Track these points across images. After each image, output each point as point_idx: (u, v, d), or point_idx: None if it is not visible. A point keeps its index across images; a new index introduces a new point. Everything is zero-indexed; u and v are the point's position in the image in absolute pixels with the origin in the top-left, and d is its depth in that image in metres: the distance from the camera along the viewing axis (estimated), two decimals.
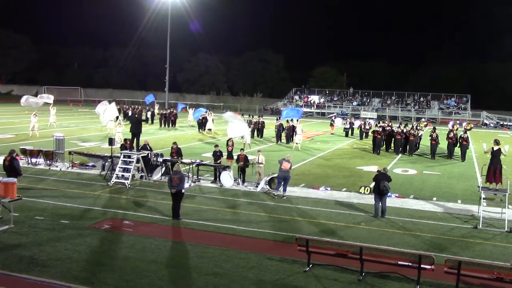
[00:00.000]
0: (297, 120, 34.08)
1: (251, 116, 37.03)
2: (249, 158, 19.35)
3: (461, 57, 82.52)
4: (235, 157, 19.58)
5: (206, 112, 40.33)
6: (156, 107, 50.19)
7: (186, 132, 37.55)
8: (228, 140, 20.90)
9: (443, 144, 29.31)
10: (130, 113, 38.17)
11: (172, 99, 72.35)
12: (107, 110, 25.48)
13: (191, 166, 19.41)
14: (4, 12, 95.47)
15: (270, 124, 38.53)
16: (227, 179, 18.41)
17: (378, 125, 31.12)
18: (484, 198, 15.11)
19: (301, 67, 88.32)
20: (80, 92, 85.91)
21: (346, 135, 39.16)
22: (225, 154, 20.19)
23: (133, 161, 18.29)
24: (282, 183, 17.04)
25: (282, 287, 9.68)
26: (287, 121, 34.60)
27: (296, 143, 29.95)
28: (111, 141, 19.65)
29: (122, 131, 28.29)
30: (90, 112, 57.23)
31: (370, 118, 50.13)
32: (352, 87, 76.35)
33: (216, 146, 20.04)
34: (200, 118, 38.81)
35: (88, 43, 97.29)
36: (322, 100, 71.87)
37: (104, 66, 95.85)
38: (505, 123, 59.52)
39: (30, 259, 10.49)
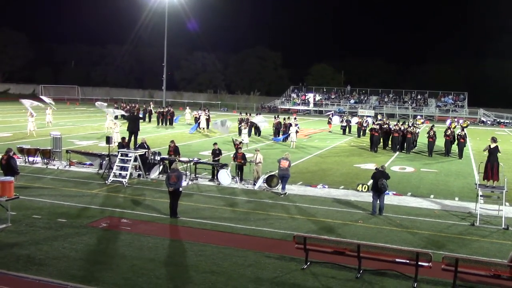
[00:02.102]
0: (294, 118, 34.10)
1: (248, 114, 36.96)
2: (246, 156, 19.35)
3: (459, 55, 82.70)
4: (231, 155, 19.58)
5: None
6: (151, 105, 50.13)
7: (183, 131, 37.47)
8: (236, 145, 20.77)
9: (440, 142, 29.34)
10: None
11: (169, 97, 72.25)
12: (108, 112, 29.78)
13: (188, 164, 19.40)
14: (0, 9, 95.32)
15: (268, 122, 38.47)
16: (225, 177, 18.40)
17: (376, 123, 31.13)
18: (481, 196, 15.16)
19: (299, 65, 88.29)
20: (77, 90, 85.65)
21: (344, 133, 39.20)
22: (224, 153, 20.21)
23: (130, 160, 18.27)
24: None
25: (280, 285, 9.69)
26: (284, 118, 34.65)
27: (292, 141, 29.93)
28: (108, 140, 19.70)
29: (120, 131, 28.23)
30: (87, 110, 57.19)
31: (367, 116, 50.15)
32: (349, 85, 76.34)
33: (215, 144, 20.04)
34: (197, 116, 38.86)
35: (85, 41, 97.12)
36: (319, 98, 71.85)
37: (101, 64, 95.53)
38: (502, 120, 59.64)
39: (28, 258, 10.47)
